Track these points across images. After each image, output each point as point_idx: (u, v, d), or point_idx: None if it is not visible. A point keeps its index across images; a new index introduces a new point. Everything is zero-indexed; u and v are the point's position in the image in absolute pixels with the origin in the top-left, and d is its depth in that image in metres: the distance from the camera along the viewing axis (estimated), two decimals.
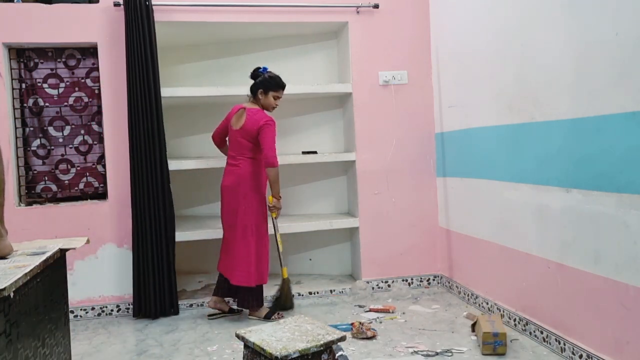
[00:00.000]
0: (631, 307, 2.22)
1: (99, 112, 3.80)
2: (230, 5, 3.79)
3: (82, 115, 3.82)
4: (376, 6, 3.95)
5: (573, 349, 2.57)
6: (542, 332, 2.82)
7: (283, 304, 3.53)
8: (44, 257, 1.84)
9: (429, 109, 4.07)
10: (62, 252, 2.11)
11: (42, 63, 3.76)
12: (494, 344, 2.72)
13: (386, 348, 2.90)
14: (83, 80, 3.81)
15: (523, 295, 3.02)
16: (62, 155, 3.80)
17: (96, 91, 3.80)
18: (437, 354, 2.77)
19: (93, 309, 3.71)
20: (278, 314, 3.49)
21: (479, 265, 3.51)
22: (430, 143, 4.07)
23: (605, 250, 2.35)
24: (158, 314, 3.61)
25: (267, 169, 3.36)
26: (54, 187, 3.80)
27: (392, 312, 3.47)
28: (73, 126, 3.81)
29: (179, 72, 4.49)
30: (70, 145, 3.81)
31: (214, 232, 3.83)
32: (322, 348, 2.06)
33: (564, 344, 2.63)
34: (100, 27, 3.67)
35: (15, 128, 3.69)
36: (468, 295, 3.64)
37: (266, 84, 3.42)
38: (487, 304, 3.37)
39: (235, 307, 3.58)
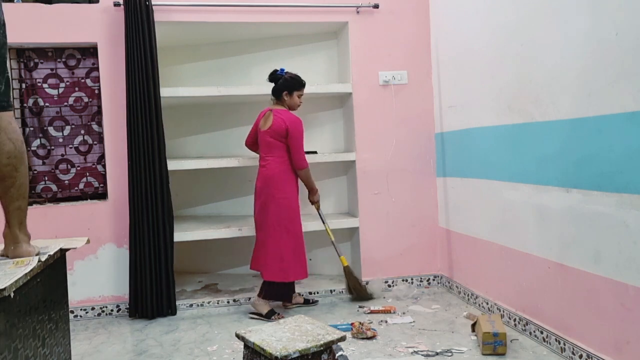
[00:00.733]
0: (631, 307, 2.22)
1: (99, 112, 3.80)
2: (230, 5, 3.79)
3: (82, 115, 3.82)
4: (376, 6, 3.95)
5: (573, 349, 2.57)
6: (542, 332, 2.82)
7: (357, 294, 3.76)
8: (44, 257, 1.83)
9: (429, 109, 4.07)
10: (62, 252, 2.11)
11: (42, 63, 3.76)
12: (494, 344, 2.72)
13: (386, 348, 2.90)
14: (83, 80, 3.82)
15: (523, 295, 3.02)
16: (62, 155, 3.80)
17: (96, 91, 3.80)
18: (437, 354, 2.77)
19: (93, 309, 3.71)
20: (278, 314, 3.49)
21: (479, 265, 3.51)
22: (430, 143, 4.07)
23: (605, 250, 2.35)
24: (155, 314, 3.61)
25: (298, 171, 3.49)
26: (54, 187, 3.80)
27: (393, 313, 3.47)
28: (73, 126, 3.81)
29: (179, 72, 4.49)
30: (70, 145, 3.81)
31: (214, 232, 3.83)
32: (322, 348, 2.06)
33: (564, 344, 2.63)
34: (100, 27, 3.67)
35: None
36: (468, 295, 3.64)
37: (289, 85, 3.50)
38: (487, 304, 3.37)
39: (305, 297, 3.77)
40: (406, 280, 4.06)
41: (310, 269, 4.46)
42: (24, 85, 3.74)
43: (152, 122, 3.59)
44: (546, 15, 2.68)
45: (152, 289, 3.60)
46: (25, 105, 3.75)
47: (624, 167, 2.21)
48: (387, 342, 2.98)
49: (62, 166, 3.80)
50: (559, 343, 2.68)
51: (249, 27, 4.03)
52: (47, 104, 3.77)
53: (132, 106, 3.58)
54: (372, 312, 3.50)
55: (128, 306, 3.69)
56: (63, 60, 3.79)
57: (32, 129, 3.76)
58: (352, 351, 2.87)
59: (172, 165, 3.76)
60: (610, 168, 2.29)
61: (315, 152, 4.13)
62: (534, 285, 2.90)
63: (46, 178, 3.78)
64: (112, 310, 3.73)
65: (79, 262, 3.68)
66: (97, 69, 3.73)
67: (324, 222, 3.71)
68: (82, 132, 3.82)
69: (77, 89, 3.81)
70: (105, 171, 3.76)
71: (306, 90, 3.96)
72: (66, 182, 3.81)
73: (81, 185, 3.83)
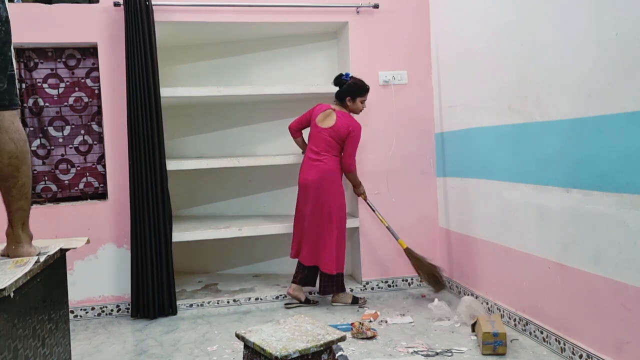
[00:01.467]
0: (631, 307, 2.22)
1: (99, 112, 3.80)
2: (230, 5, 3.79)
3: (82, 115, 3.82)
4: (376, 6, 3.95)
5: (573, 349, 2.57)
6: (542, 332, 2.82)
7: (429, 278, 3.76)
8: (43, 257, 1.83)
9: (429, 109, 4.07)
10: (62, 252, 2.11)
11: (42, 63, 3.76)
12: (494, 344, 2.72)
13: (386, 348, 2.90)
14: (83, 80, 3.81)
15: (523, 295, 3.02)
16: (62, 155, 3.80)
17: (96, 91, 3.80)
18: (437, 354, 2.77)
19: (93, 309, 3.71)
20: (362, 298, 3.72)
21: (479, 265, 3.51)
22: (430, 143, 4.07)
23: (605, 250, 2.35)
24: (156, 314, 3.61)
25: (346, 173, 3.66)
26: (54, 187, 3.80)
27: (374, 320, 3.36)
28: (73, 126, 3.81)
29: (179, 72, 4.49)
30: (70, 145, 3.81)
31: (214, 232, 3.83)
32: (322, 348, 2.06)
33: (564, 344, 2.63)
34: (100, 27, 3.67)
35: None
36: (468, 295, 3.63)
37: (352, 91, 3.60)
38: (487, 304, 3.37)
39: (311, 298, 3.76)
40: (406, 280, 4.06)
41: None
42: (24, 85, 3.74)
43: (152, 122, 3.59)
44: (546, 15, 2.68)
45: (154, 289, 3.60)
46: (25, 105, 3.75)
47: (624, 167, 2.21)
48: (387, 342, 2.98)
49: (62, 166, 3.80)
50: (559, 343, 2.68)
51: (249, 27, 4.03)
52: (47, 104, 3.77)
53: (132, 106, 3.58)
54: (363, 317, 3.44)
55: (129, 306, 3.69)
56: (63, 60, 3.79)
57: (32, 129, 3.76)
58: (352, 351, 2.87)
59: (171, 165, 3.76)
60: (610, 168, 2.29)
61: None
62: (534, 285, 2.90)
63: (46, 178, 3.78)
64: (112, 310, 3.73)
65: (79, 262, 3.68)
66: (97, 69, 3.73)
67: (374, 211, 3.81)
68: (82, 132, 3.82)
69: (77, 89, 3.81)
70: (105, 171, 3.76)
71: (306, 90, 3.98)
72: (66, 182, 3.81)
73: (81, 185, 3.83)
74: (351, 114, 3.65)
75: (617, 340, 2.31)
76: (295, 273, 3.71)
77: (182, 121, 4.53)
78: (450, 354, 2.77)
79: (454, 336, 3.02)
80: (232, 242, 4.36)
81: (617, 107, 2.23)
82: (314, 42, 4.39)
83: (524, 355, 2.73)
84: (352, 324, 3.13)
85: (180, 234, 3.76)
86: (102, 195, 3.84)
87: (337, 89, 3.66)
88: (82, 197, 3.83)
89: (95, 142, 3.84)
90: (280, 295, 3.85)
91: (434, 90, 4.04)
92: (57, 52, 3.78)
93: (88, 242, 2.23)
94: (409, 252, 3.76)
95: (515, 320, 3.07)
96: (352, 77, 3.62)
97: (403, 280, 4.06)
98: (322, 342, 2.06)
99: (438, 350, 2.81)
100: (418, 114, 4.05)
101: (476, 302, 3.23)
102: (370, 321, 3.31)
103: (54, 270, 2.02)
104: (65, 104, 3.79)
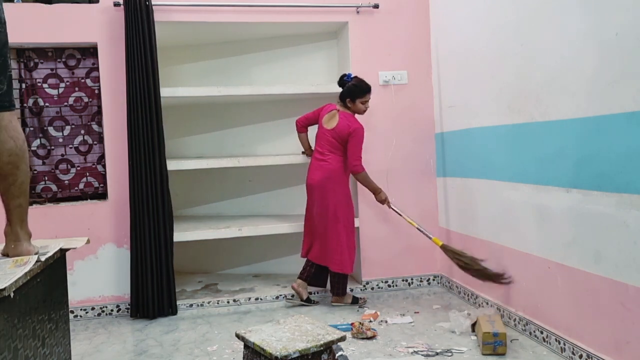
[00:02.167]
0: (631, 307, 2.22)
1: (99, 112, 3.80)
2: (230, 5, 3.79)
3: (82, 115, 3.82)
4: (376, 6, 3.95)
5: (573, 349, 2.57)
6: (542, 332, 2.82)
7: (474, 272, 3.27)
8: (43, 257, 1.83)
9: (429, 109, 4.07)
10: (62, 252, 2.11)
11: (42, 63, 3.76)
12: (494, 344, 2.72)
13: (386, 348, 2.90)
14: (83, 80, 3.81)
15: (523, 295, 3.02)
16: (62, 155, 3.80)
17: (96, 91, 3.80)
18: (437, 354, 2.78)
19: (93, 309, 3.71)
20: (362, 298, 3.72)
21: None
22: (430, 143, 4.07)
23: (605, 250, 2.35)
24: (156, 314, 3.61)
25: (355, 176, 3.61)
26: (54, 187, 3.80)
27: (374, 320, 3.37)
28: (73, 126, 3.81)
29: (179, 72, 4.49)
30: (70, 145, 3.81)
31: (214, 232, 3.83)
32: (322, 348, 2.06)
33: (564, 344, 2.63)
34: (100, 27, 3.67)
35: None
36: (468, 295, 3.64)
37: (351, 93, 3.59)
38: (487, 304, 3.36)
39: (313, 298, 3.75)
40: (406, 280, 4.06)
41: None
42: (24, 85, 3.74)
43: (152, 122, 3.59)
44: (546, 15, 2.68)
45: (154, 289, 3.60)
46: (25, 105, 3.75)
47: (624, 167, 2.21)
48: (387, 342, 2.98)
49: (62, 166, 3.80)
50: (559, 343, 2.68)
51: (249, 27, 4.03)
52: (47, 104, 3.77)
53: (132, 106, 3.58)
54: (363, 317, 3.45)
55: (129, 306, 3.69)
56: (63, 60, 3.79)
57: (32, 129, 3.76)
58: (352, 351, 2.87)
59: (171, 165, 3.76)
60: (610, 168, 2.29)
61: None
62: (534, 285, 2.90)
63: (46, 178, 3.78)
64: (112, 310, 3.73)
65: (79, 262, 3.68)
66: (97, 69, 3.73)
67: (401, 215, 3.68)
68: (82, 132, 3.82)
69: (77, 89, 3.81)
70: (105, 171, 3.76)
71: (306, 90, 3.97)
72: (66, 182, 3.81)
73: (81, 185, 3.83)
74: (355, 115, 3.65)
75: (617, 340, 2.31)
76: (303, 269, 3.71)
77: (182, 121, 4.53)
78: (450, 354, 2.77)
79: (454, 336, 3.02)
80: (232, 242, 4.36)
81: (617, 107, 2.23)
82: (314, 42, 4.39)
83: (524, 355, 2.73)
84: (352, 324, 3.13)
85: (181, 234, 3.76)
86: (102, 195, 3.84)
87: (341, 90, 3.67)
88: (82, 197, 3.83)
89: (95, 142, 3.84)
90: (281, 295, 3.85)
91: (434, 90, 4.04)
92: (57, 52, 3.77)
93: (88, 242, 2.23)
94: (445, 249, 3.51)
95: (515, 320, 3.07)
96: (354, 77, 3.62)
97: (403, 280, 4.06)
98: (322, 342, 2.06)
99: (438, 350, 2.81)
100: (418, 114, 4.05)
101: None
102: (370, 321, 3.32)
103: (54, 270, 2.02)
104: (65, 104, 3.79)
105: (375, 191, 3.65)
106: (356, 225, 4.01)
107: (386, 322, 3.30)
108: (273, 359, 1.97)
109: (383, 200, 3.67)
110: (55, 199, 3.79)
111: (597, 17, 2.33)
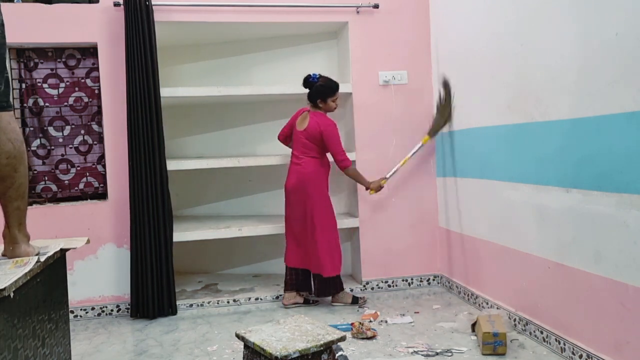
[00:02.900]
0: (631, 307, 2.22)
1: (99, 112, 3.80)
2: (230, 5, 3.79)
3: (82, 115, 3.82)
4: (376, 6, 3.95)
5: (573, 349, 2.57)
6: (542, 332, 2.82)
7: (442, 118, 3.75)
8: (43, 257, 1.83)
9: (429, 109, 4.07)
10: (63, 252, 2.11)
11: (42, 63, 3.76)
12: (494, 344, 2.72)
13: (386, 348, 2.90)
14: (83, 80, 3.82)
15: (523, 295, 3.02)
16: (62, 155, 3.80)
17: (96, 91, 3.80)
18: (437, 354, 2.78)
19: (93, 309, 3.71)
20: (362, 298, 3.69)
21: (479, 265, 3.51)
22: (430, 143, 4.07)
23: (605, 250, 2.35)
24: (156, 314, 3.61)
25: (344, 171, 3.60)
26: (54, 187, 3.80)
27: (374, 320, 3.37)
28: (73, 126, 3.81)
29: (179, 72, 4.49)
30: (70, 145, 3.81)
31: (214, 232, 3.84)
32: (322, 348, 2.06)
33: (564, 344, 2.63)
34: (100, 27, 3.67)
35: None
36: (468, 295, 3.64)
37: (321, 93, 3.56)
38: (487, 304, 3.36)
39: (310, 298, 3.74)
40: (406, 280, 4.06)
41: None
42: (24, 85, 3.74)
43: (152, 122, 3.59)
44: (546, 15, 2.68)
45: (154, 289, 3.60)
46: (25, 105, 3.75)
47: (624, 167, 2.21)
48: (387, 342, 2.98)
49: (62, 166, 3.80)
50: (559, 343, 2.68)
51: (249, 27, 4.03)
52: (47, 104, 3.77)
53: (132, 106, 3.58)
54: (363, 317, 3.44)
55: (129, 306, 3.69)
56: (63, 60, 3.79)
57: (32, 129, 3.76)
58: (352, 351, 2.87)
59: (171, 165, 3.76)
60: (610, 168, 2.29)
61: None
62: (533, 285, 2.90)
63: (46, 178, 3.78)
64: (112, 310, 3.73)
65: (79, 262, 3.68)
66: (97, 69, 3.73)
67: (398, 168, 3.80)
68: (82, 132, 3.82)
69: (77, 89, 3.81)
70: (105, 171, 3.76)
71: (306, 90, 3.96)
72: (66, 182, 3.81)
73: (81, 185, 3.83)
74: (327, 113, 3.63)
75: (617, 340, 2.31)
76: (288, 280, 3.68)
77: (182, 121, 4.53)
78: (450, 354, 2.77)
79: (454, 336, 3.02)
80: (232, 242, 4.36)
81: (617, 107, 2.23)
82: (314, 42, 4.39)
83: (524, 355, 2.73)
84: (352, 324, 3.13)
85: (181, 234, 3.76)
86: (102, 195, 3.84)
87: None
88: (82, 197, 3.83)
89: (95, 142, 3.84)
90: (281, 295, 3.84)
91: (434, 90, 4.04)
92: (57, 52, 3.77)
93: (88, 242, 2.24)
94: (433, 131, 3.83)
95: (515, 320, 3.07)
96: (320, 77, 3.57)
97: (403, 280, 4.06)
98: (322, 342, 2.06)
99: (438, 350, 2.81)
100: (418, 114, 4.05)
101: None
102: (370, 321, 3.32)
103: (54, 270, 2.03)
104: (65, 104, 3.79)
105: (365, 185, 3.70)
106: (356, 225, 4.02)
107: (386, 322, 3.30)
108: (273, 359, 1.97)
109: (378, 186, 3.71)
110: (55, 199, 3.79)
111: (597, 17, 2.33)
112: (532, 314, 2.93)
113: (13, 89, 3.69)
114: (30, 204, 3.72)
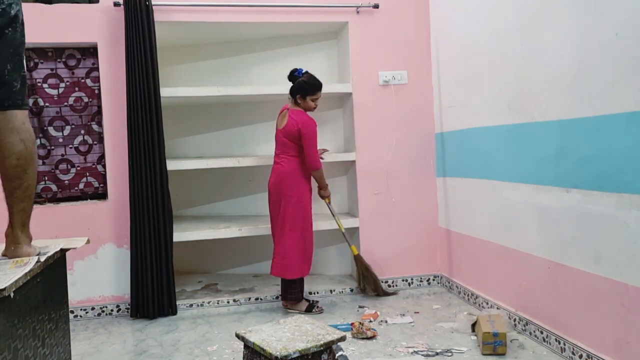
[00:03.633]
0: (631, 307, 2.22)
1: (99, 112, 3.80)
2: (230, 5, 3.79)
3: (82, 115, 3.82)
4: (376, 6, 3.95)
5: (573, 349, 2.57)
6: (542, 332, 2.82)
7: (368, 285, 3.82)
8: (43, 257, 1.83)
9: (429, 109, 4.07)
10: (63, 252, 2.11)
11: (42, 63, 3.76)
12: (494, 344, 2.72)
13: (386, 348, 2.90)
14: (83, 80, 3.82)
15: (523, 295, 3.02)
16: (62, 155, 3.80)
17: (96, 91, 3.80)
18: (437, 354, 2.78)
19: (93, 309, 3.71)
20: (317, 307, 3.57)
21: (479, 265, 3.51)
22: (430, 143, 4.07)
23: (605, 250, 2.35)
24: (156, 314, 3.61)
25: (312, 172, 3.52)
26: (54, 187, 3.80)
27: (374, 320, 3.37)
28: (73, 126, 3.81)
29: (179, 72, 4.49)
30: (70, 145, 3.81)
31: (214, 232, 3.84)
32: (322, 348, 2.06)
33: (564, 344, 2.63)
34: (100, 27, 3.67)
35: None
36: (468, 295, 3.64)
37: (302, 89, 3.49)
38: (487, 304, 3.37)
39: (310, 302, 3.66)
40: (406, 280, 4.06)
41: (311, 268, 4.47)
42: None
43: (152, 122, 3.59)
44: (546, 15, 2.68)
45: (154, 289, 3.60)
46: None
47: (624, 167, 2.21)
48: (387, 342, 2.98)
49: (62, 166, 3.80)
50: (559, 343, 2.68)
51: (248, 27, 4.03)
52: (47, 104, 3.77)
53: (132, 106, 3.58)
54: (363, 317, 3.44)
55: (129, 306, 3.69)
56: (63, 60, 3.79)
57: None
58: (352, 351, 2.87)
59: (171, 165, 3.76)
60: (610, 168, 2.29)
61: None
62: (534, 285, 2.90)
63: (46, 178, 3.78)
64: (112, 310, 3.73)
65: (79, 262, 3.68)
66: (97, 69, 3.73)
67: (333, 216, 3.75)
68: (82, 132, 3.83)
69: (77, 89, 3.81)
70: (105, 171, 3.76)
71: None
72: (66, 182, 3.81)
73: (81, 185, 3.83)
74: (306, 112, 3.52)
75: (617, 340, 2.31)
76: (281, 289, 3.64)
77: (182, 121, 4.53)
78: (450, 354, 2.77)
79: (454, 336, 3.02)
80: (232, 242, 4.36)
81: (617, 107, 2.23)
82: (314, 42, 4.39)
83: (524, 355, 2.73)
84: (352, 324, 3.13)
85: (181, 234, 3.76)
86: (102, 195, 3.84)
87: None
88: (82, 197, 3.83)
89: (95, 142, 3.84)
90: (280, 295, 3.84)
91: (434, 90, 4.04)
92: (57, 52, 3.77)
93: (88, 242, 2.23)
94: (358, 259, 3.82)
95: (515, 320, 3.07)
96: (305, 73, 3.51)
97: (403, 280, 4.06)
98: (322, 342, 2.06)
99: (438, 350, 2.81)
100: (418, 114, 4.05)
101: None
102: (370, 321, 3.32)
103: (54, 270, 2.03)
104: (65, 104, 3.79)
105: (324, 187, 3.65)
106: (356, 225, 4.02)
107: (386, 322, 3.30)
108: (273, 359, 1.97)
109: (326, 196, 3.68)
110: (55, 199, 3.79)
111: (597, 17, 2.33)
112: (532, 314, 2.93)
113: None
114: (32, 205, 3.72)
